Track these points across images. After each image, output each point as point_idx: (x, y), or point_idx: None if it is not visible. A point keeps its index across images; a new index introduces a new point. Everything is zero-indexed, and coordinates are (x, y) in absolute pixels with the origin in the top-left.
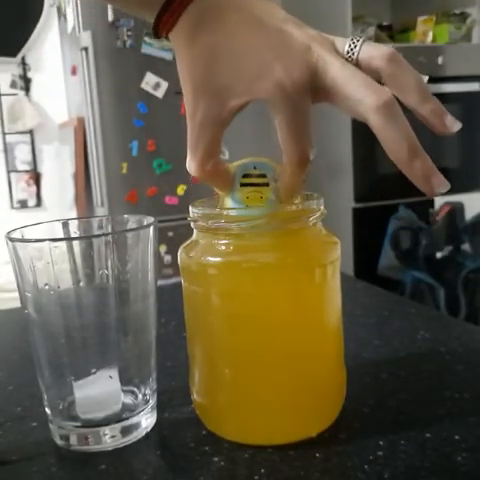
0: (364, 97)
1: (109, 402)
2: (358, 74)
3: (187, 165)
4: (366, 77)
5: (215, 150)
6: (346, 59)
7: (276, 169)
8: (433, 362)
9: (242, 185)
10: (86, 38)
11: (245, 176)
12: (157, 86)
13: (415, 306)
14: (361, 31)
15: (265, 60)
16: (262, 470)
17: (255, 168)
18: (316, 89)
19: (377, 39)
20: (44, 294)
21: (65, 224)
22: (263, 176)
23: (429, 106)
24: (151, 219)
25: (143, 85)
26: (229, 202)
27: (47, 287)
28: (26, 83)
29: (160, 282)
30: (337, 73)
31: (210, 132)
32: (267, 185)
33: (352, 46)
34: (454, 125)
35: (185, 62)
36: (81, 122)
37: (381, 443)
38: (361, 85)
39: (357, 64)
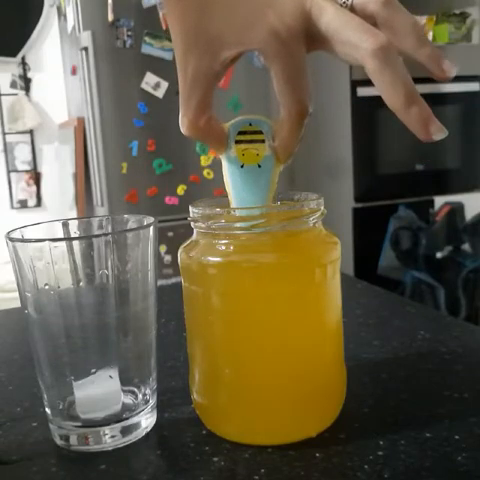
0: (360, 42)
1: (109, 402)
2: (353, 19)
3: (180, 123)
4: (362, 22)
5: (208, 105)
6: (340, 4)
7: (272, 127)
8: (433, 362)
9: (237, 142)
10: (86, 38)
11: (240, 133)
12: (157, 86)
13: (415, 306)
14: None
15: (257, 7)
16: (262, 470)
17: (250, 125)
18: (311, 36)
19: None
20: (44, 294)
21: (65, 224)
22: (259, 133)
23: (426, 51)
24: (151, 219)
25: (143, 85)
26: (225, 162)
27: (47, 287)
28: (26, 83)
29: (160, 282)
30: (332, 18)
31: (202, 86)
32: (263, 142)
33: None
34: (451, 70)
35: (175, 15)
36: (81, 122)
37: (381, 443)
38: (356, 30)
39: (352, 9)
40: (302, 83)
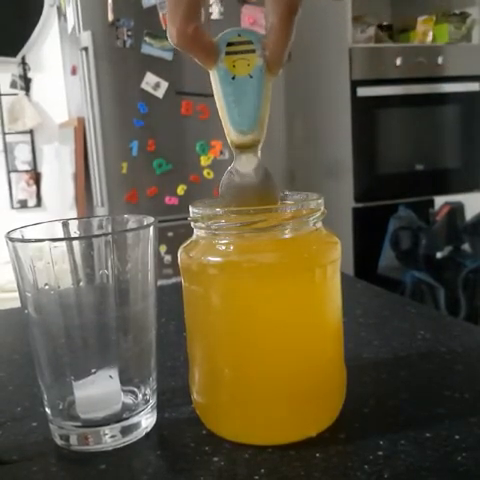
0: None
1: (109, 402)
2: None
3: (168, 34)
4: None
5: (195, 13)
6: None
7: (261, 38)
8: (433, 362)
9: (227, 54)
10: (86, 38)
11: (229, 45)
12: (157, 86)
13: (415, 306)
14: (361, 31)
15: None
16: (262, 470)
17: (239, 35)
18: None
19: (377, 39)
20: (44, 294)
21: (65, 224)
22: (249, 43)
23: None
24: (151, 219)
25: (143, 85)
26: (215, 76)
27: (47, 287)
28: (26, 83)
29: (160, 282)
30: None
31: None
32: (253, 52)
33: None
34: None
35: None
36: (81, 122)
37: (381, 443)
38: None
39: None
40: None
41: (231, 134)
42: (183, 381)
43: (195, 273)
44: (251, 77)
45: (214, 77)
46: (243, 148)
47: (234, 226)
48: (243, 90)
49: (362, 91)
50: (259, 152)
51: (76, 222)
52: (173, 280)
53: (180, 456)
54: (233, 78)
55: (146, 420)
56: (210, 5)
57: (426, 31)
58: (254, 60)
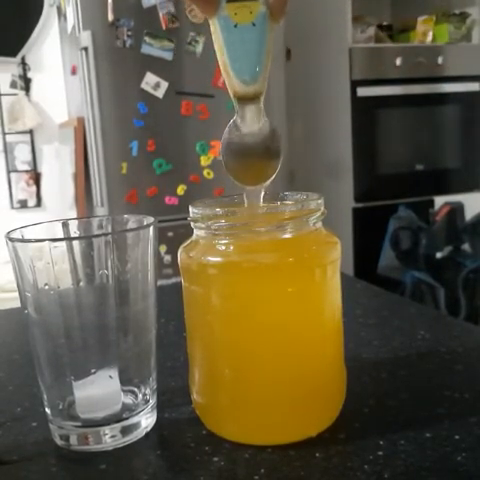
0: None
1: (109, 402)
2: None
3: None
4: None
5: None
6: None
7: None
8: (433, 362)
9: (228, 1)
10: (86, 38)
11: None
12: (157, 86)
13: (415, 306)
14: (361, 31)
15: None
16: (262, 470)
17: None
18: None
19: (377, 39)
20: (44, 294)
21: (65, 224)
22: None
23: None
24: (151, 219)
25: (143, 85)
26: (216, 26)
27: (47, 287)
28: (26, 83)
29: (160, 282)
30: None
31: None
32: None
33: None
34: None
35: None
36: (81, 122)
37: (381, 443)
38: None
39: None
40: None
41: (234, 85)
42: (183, 381)
43: (195, 273)
44: (254, 25)
45: (215, 26)
46: (246, 100)
47: (234, 226)
48: (246, 38)
49: (362, 91)
50: (262, 105)
51: (76, 222)
52: (173, 280)
53: (180, 456)
54: (235, 26)
55: (146, 420)
56: None
57: (426, 31)
58: (257, 7)
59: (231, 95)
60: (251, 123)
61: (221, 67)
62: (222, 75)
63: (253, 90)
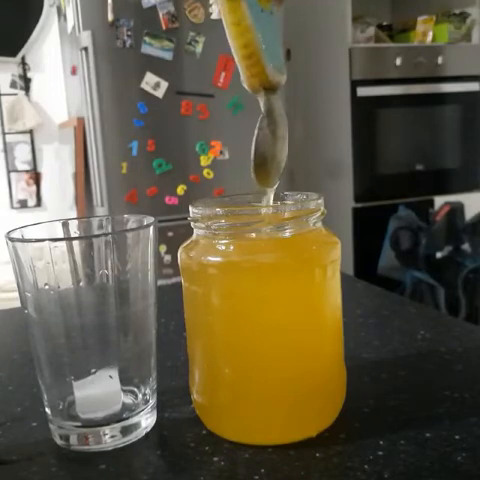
0: None
1: (109, 402)
2: None
3: None
4: None
5: None
6: None
7: None
8: (433, 362)
9: None
10: (86, 38)
11: None
12: (157, 86)
13: (415, 306)
14: (361, 31)
15: None
16: (262, 470)
17: None
18: None
19: (377, 39)
20: (44, 294)
21: (65, 224)
22: None
23: None
24: (151, 219)
25: (143, 85)
26: (244, 7)
27: (47, 287)
28: (26, 83)
29: (160, 282)
30: None
31: None
32: None
33: None
34: None
35: None
36: (81, 122)
37: (381, 443)
38: None
39: None
40: None
41: (267, 73)
42: (183, 381)
43: (195, 273)
44: (271, 13)
45: (242, 12)
46: (274, 91)
47: (234, 226)
48: (272, 24)
49: (362, 91)
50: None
51: (76, 222)
52: (173, 280)
53: (180, 456)
54: (262, 11)
55: (146, 420)
56: (210, 5)
57: (426, 31)
58: None
59: (252, 88)
60: (280, 112)
61: (245, 56)
62: (242, 67)
63: (284, 79)
